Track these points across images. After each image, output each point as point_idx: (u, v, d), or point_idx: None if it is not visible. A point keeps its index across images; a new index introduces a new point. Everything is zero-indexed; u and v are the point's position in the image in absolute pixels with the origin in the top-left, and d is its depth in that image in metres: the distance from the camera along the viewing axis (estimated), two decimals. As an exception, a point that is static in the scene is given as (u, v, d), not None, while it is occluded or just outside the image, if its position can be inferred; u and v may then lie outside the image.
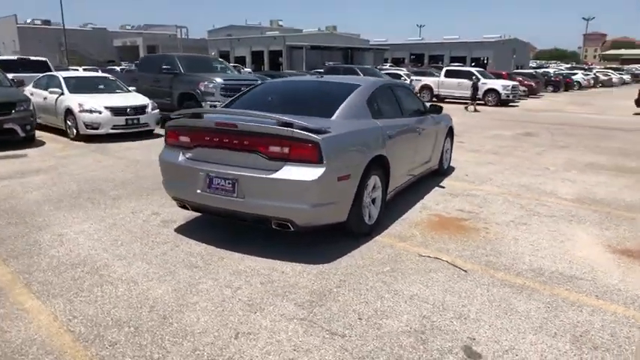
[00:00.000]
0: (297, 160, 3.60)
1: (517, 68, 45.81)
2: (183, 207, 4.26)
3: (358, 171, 3.99)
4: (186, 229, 4.44)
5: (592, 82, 38.46)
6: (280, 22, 75.76)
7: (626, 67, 61.18)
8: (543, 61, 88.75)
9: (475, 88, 19.22)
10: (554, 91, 31.78)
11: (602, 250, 4.13)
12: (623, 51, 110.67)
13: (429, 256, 3.89)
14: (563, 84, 33.37)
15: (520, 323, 2.91)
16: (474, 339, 2.73)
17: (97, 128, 9.40)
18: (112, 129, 9.49)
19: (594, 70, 46.22)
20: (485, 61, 58.64)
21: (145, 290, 3.24)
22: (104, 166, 7.06)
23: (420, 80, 24.59)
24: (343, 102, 4.34)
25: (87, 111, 9.35)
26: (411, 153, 5.29)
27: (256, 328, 2.80)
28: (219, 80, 10.53)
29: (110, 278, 3.41)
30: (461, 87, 22.61)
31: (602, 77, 41.99)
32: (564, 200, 5.70)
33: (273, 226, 3.76)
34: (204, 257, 3.82)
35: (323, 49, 51.33)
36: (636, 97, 18.30)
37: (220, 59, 14.24)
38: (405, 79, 24.20)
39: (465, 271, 3.64)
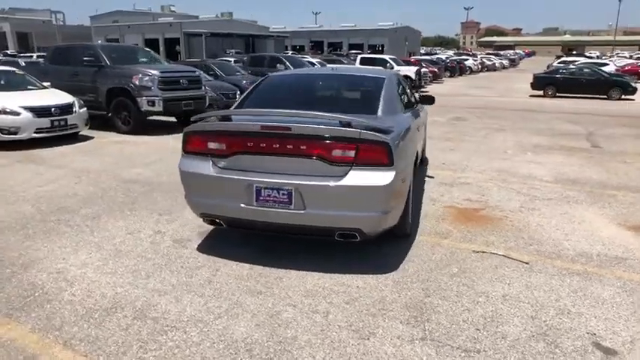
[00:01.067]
0: (365, 163, 3.29)
1: (409, 55, 48.47)
2: (213, 223, 3.73)
3: (410, 170, 3.81)
4: (210, 248, 3.89)
5: (480, 67, 42.18)
6: (173, 8, 71.27)
7: (502, 52, 68.02)
8: (429, 48, 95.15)
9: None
10: (450, 76, 34.22)
11: (619, 229, 4.46)
12: (495, 38, 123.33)
13: (484, 252, 3.86)
14: (458, 69, 36.11)
15: (617, 311, 2.99)
16: (594, 334, 2.74)
17: (15, 133, 7.93)
18: (35, 133, 8.09)
19: (479, 56, 50.59)
20: (381, 48, 61.25)
21: (223, 331, 2.74)
22: (50, 180, 5.97)
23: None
24: (380, 96, 4.09)
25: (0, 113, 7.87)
26: (419, 145, 5.23)
27: (387, 358, 2.51)
28: (155, 72, 9.49)
29: (169, 321, 2.83)
30: (376, 74, 23.46)
31: (487, 62, 46.18)
32: (547, 182, 6.09)
33: (336, 238, 3.43)
34: (260, 280, 3.36)
35: (223, 37, 49.47)
36: (531, 80, 20.45)
37: (147, 49, 12.89)
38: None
39: (527, 263, 3.68)
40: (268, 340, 2.64)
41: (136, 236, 4.16)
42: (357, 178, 3.26)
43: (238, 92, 12.37)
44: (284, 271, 3.48)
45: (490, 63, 47.30)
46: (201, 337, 2.68)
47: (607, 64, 27.40)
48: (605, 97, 18.90)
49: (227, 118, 3.58)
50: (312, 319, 2.87)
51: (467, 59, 42.14)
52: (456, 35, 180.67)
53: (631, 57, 47.37)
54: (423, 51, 74.75)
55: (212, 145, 3.55)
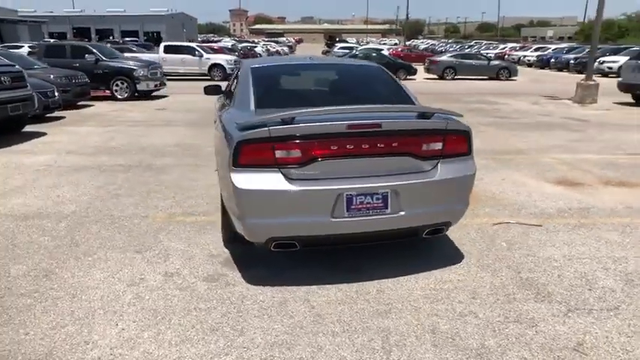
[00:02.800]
0: (450, 155, 3.19)
1: (190, 42, 46.99)
2: (282, 247, 3.05)
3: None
4: (263, 278, 3.18)
5: (267, 54, 43.93)
6: None
7: (280, 39, 72.23)
8: (203, 35, 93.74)
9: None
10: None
11: (553, 185, 5.46)
12: (266, 25, 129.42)
13: (501, 222, 4.24)
14: (250, 57, 36.87)
15: None
16: (652, 269, 3.38)
17: None
18: None
19: (262, 43, 52.50)
20: (156, 35, 57.49)
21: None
22: None
23: (135, 57, 22.34)
24: (402, 87, 3.96)
25: None
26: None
27: (561, 336, 2.58)
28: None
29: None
30: (185, 63, 22.05)
31: (271, 49, 48.31)
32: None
33: (423, 236, 3.26)
34: (367, 297, 2.96)
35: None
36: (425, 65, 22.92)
37: None
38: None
39: (540, 225, 4.21)
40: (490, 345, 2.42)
41: (150, 286, 3.10)
42: (447, 170, 3.17)
43: (55, 90, 10.03)
44: (371, 284, 3.16)
45: (274, 50, 49.76)
46: (402, 378, 2.26)
47: (382, 49, 32.01)
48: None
49: (290, 121, 2.93)
50: (464, 319, 2.74)
51: (255, 46, 43.30)
52: (224, 22, 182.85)
53: (396, 44, 56.15)
54: (200, 38, 73.31)
55: (282, 154, 2.91)
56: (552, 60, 30.71)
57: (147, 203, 4.77)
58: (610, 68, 24.30)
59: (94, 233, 4.01)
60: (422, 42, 65.65)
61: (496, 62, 23.80)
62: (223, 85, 5.34)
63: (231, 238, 3.59)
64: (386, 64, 22.42)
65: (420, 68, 24.23)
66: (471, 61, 23.38)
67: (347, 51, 30.53)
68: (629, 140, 8.15)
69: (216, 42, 52.68)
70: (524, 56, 34.89)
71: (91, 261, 3.49)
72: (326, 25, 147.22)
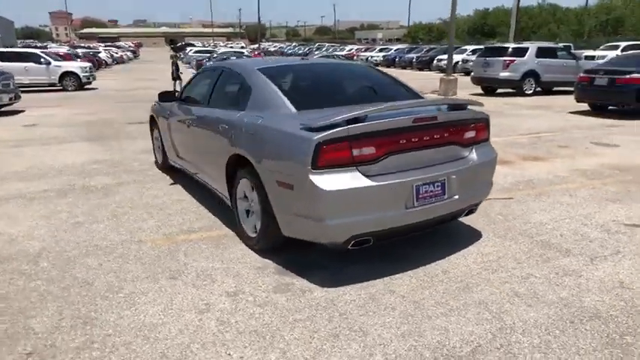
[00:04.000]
0: (478, 141, 3.56)
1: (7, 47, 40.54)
2: (358, 245, 3.05)
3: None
4: (337, 280, 3.14)
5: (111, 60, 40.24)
6: None
7: (119, 43, 66.14)
8: (22, 41, 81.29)
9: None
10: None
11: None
12: (98, 30, 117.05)
13: (495, 198, 4.79)
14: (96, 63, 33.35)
15: (618, 206, 4.62)
16: (628, 217, 4.23)
17: None
18: None
19: (101, 49, 47.80)
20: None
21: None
22: None
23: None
24: (401, 81, 4.18)
25: None
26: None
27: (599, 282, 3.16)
28: None
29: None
30: (29, 72, 19.00)
31: (115, 55, 44.33)
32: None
33: (460, 218, 3.57)
34: (448, 283, 3.14)
35: None
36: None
37: None
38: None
39: (511, 197, 4.87)
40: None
41: (225, 309, 2.80)
42: (480, 155, 3.54)
43: None
44: (432, 267, 3.37)
45: (118, 55, 45.77)
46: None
47: (244, 52, 31.82)
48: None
49: (364, 119, 2.94)
50: (530, 280, 3.12)
51: (99, 52, 39.28)
52: (42, 26, 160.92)
53: (243, 47, 55.72)
54: (19, 44, 63.36)
55: (358, 151, 2.93)
56: (397, 59, 34.30)
57: (126, 227, 4.20)
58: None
59: (96, 267, 3.42)
60: (270, 45, 67.03)
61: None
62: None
63: (273, 244, 3.47)
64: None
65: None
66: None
67: (206, 55, 29.68)
68: (507, 123, 9.73)
69: (39, 48, 46.31)
70: (372, 56, 38.22)
71: (125, 297, 3.00)
72: (164, 29, 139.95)
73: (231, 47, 54.02)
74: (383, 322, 2.71)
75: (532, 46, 14.77)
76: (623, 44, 28.64)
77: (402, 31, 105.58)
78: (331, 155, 2.88)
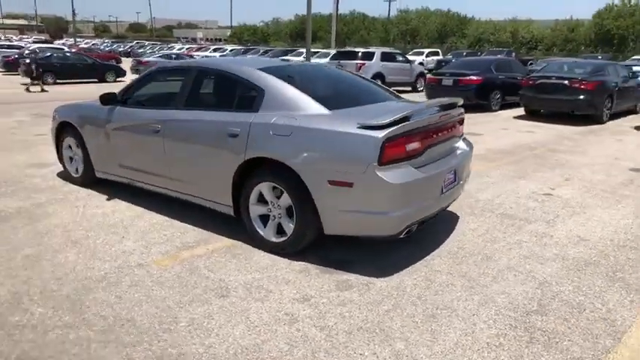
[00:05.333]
0: (463, 133, 4.09)
1: None
2: (406, 233, 3.26)
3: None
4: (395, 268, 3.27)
5: None
6: None
7: None
8: None
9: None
10: None
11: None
12: None
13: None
14: None
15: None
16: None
17: None
18: None
19: None
20: None
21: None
22: None
23: None
24: (380, 85, 4.47)
25: None
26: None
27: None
28: None
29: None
30: None
31: None
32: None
33: None
34: (466, 258, 3.54)
35: None
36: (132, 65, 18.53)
37: None
38: None
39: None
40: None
41: (308, 315, 2.69)
42: (467, 145, 4.12)
43: None
44: (447, 246, 3.79)
45: None
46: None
47: (63, 49, 27.74)
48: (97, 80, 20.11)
49: (410, 117, 3.15)
50: (523, 244, 3.78)
51: None
52: None
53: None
54: None
55: (409, 147, 3.17)
56: (234, 60, 34.23)
57: (104, 253, 3.57)
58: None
59: (116, 301, 2.89)
60: (82, 41, 59.66)
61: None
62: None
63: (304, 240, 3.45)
64: (91, 66, 20.18)
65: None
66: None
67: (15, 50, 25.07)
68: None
69: None
70: (207, 56, 37.37)
71: (190, 325, 2.66)
72: None
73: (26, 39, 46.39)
74: (457, 297, 3.02)
75: (377, 51, 16.61)
76: (426, 50, 34.14)
77: (223, 31, 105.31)
78: (392, 151, 3.05)
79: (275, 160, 3.37)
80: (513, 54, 28.77)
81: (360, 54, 16.13)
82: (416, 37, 50.66)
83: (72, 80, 19.08)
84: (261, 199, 3.60)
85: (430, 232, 4.03)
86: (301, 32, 63.74)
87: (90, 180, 5.18)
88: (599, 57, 23.70)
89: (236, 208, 3.78)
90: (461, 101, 3.99)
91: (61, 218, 4.30)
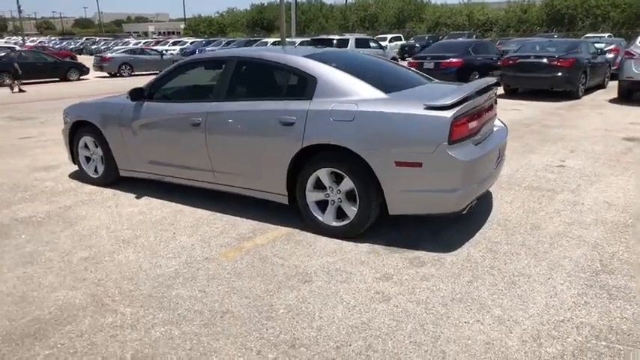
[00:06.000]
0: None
1: None
2: (469, 208, 3.41)
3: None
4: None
5: None
6: None
7: None
8: None
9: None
10: None
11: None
12: None
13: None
14: None
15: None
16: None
17: None
18: None
19: None
20: None
21: (602, 241, 3.45)
22: None
23: None
24: (409, 68, 4.56)
25: None
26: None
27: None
28: None
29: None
30: None
31: None
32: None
33: None
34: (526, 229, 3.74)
35: None
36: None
37: None
38: None
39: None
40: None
41: (400, 291, 2.78)
42: (501, 123, 4.27)
43: None
44: (492, 221, 3.97)
45: None
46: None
47: (14, 47, 26.12)
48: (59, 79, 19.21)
49: (471, 97, 3.28)
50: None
51: None
52: None
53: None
54: None
55: (470, 125, 3.30)
56: (197, 52, 33.40)
57: (164, 250, 3.52)
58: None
59: (201, 295, 2.87)
60: (28, 39, 56.49)
61: (168, 56, 24.25)
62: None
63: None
64: (53, 64, 19.22)
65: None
66: (145, 56, 22.87)
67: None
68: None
69: None
70: (167, 50, 36.24)
71: (287, 310, 2.69)
72: None
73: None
74: (526, 264, 3.19)
75: (352, 38, 16.74)
76: (389, 36, 34.54)
77: (175, 24, 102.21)
78: (459, 130, 3.17)
79: (336, 145, 3.42)
80: (474, 36, 29.67)
81: (335, 41, 16.19)
82: (375, 23, 51.02)
83: (33, 80, 18.11)
84: (318, 185, 3.65)
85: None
86: (259, 22, 62.92)
87: (112, 180, 5.04)
88: (555, 36, 24.73)
89: (290, 196, 3.81)
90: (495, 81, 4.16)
91: (99, 219, 4.18)
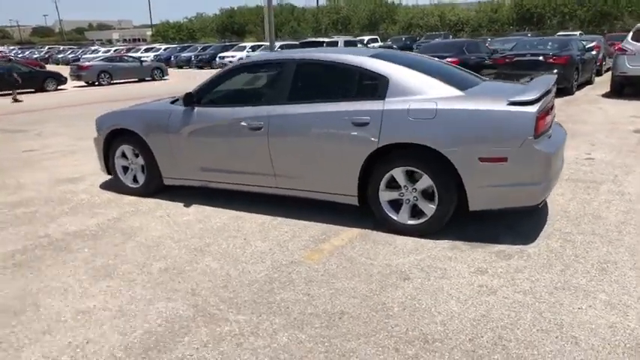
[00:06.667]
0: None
1: None
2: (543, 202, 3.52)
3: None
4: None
5: None
6: None
7: None
8: None
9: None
10: None
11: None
12: None
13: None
14: None
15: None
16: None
17: None
18: None
19: None
20: None
21: None
22: None
23: None
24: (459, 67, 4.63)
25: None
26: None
27: None
28: None
29: None
30: None
31: None
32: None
33: None
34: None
35: None
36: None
37: None
38: None
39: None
40: (662, 213, 3.90)
41: (497, 274, 2.85)
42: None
43: None
44: (555, 213, 4.09)
45: None
46: None
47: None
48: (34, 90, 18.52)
49: (544, 94, 3.39)
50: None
51: None
52: None
53: None
54: None
55: (547, 120, 3.43)
56: (172, 58, 32.84)
57: (243, 256, 3.48)
58: (230, 62, 28.80)
59: (309, 295, 2.86)
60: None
61: (148, 63, 23.69)
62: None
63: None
64: (28, 74, 18.49)
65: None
66: (123, 63, 22.32)
67: None
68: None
69: None
70: (141, 57, 35.46)
71: (401, 308, 2.71)
72: None
73: None
74: (606, 251, 3.32)
75: (340, 40, 16.91)
76: (366, 38, 34.87)
77: (140, 30, 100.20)
78: (541, 125, 3.27)
79: (415, 144, 3.46)
80: (450, 36, 30.37)
81: (324, 44, 16.29)
82: (348, 26, 51.47)
83: (4, 92, 17.36)
84: (390, 185, 3.68)
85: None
86: (229, 26, 62.43)
87: (153, 189, 4.92)
88: (529, 35, 25.61)
89: (360, 196, 3.82)
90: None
91: (158, 230, 4.08)
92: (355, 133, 3.64)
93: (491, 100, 3.36)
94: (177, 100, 4.93)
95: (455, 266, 3.21)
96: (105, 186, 5.42)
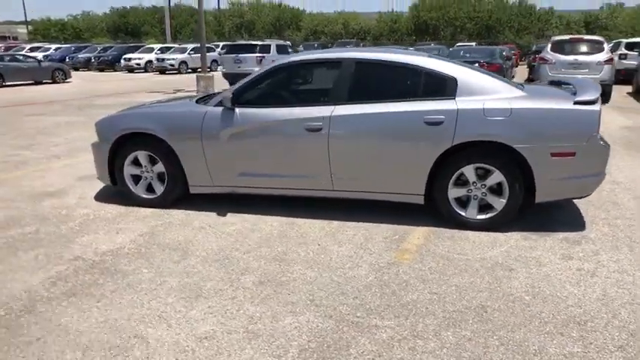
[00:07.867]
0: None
1: None
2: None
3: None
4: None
5: None
6: None
7: None
8: None
9: None
10: None
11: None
12: None
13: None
14: None
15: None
16: None
17: None
18: None
19: None
20: None
21: None
22: None
23: None
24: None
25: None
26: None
27: None
28: None
29: None
30: None
31: None
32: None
33: None
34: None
35: None
36: None
37: None
38: None
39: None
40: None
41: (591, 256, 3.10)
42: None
43: None
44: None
45: None
46: None
47: None
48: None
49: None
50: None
51: None
52: None
53: None
54: None
55: (599, 117, 3.77)
56: (67, 59, 29.70)
57: (331, 261, 3.34)
58: (138, 64, 26.93)
59: (431, 297, 2.84)
60: None
61: (47, 63, 21.09)
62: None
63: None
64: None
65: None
66: (18, 63, 19.62)
67: None
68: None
69: None
70: (37, 56, 31.48)
71: (531, 296, 2.83)
72: None
73: None
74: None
75: (273, 44, 16.71)
76: (274, 43, 34.91)
77: (7, 27, 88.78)
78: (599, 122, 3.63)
79: (489, 141, 3.62)
80: (361, 44, 31.68)
81: (258, 47, 16.01)
82: (252, 30, 51.04)
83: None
84: (458, 182, 3.80)
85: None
86: (122, 27, 58.23)
87: (174, 199, 4.48)
88: (431, 44, 27.73)
89: (426, 195, 3.88)
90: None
91: (212, 242, 3.73)
92: (428, 132, 3.71)
93: (558, 100, 3.66)
94: (203, 98, 4.57)
95: (541, 254, 3.44)
96: (101, 198, 4.80)
